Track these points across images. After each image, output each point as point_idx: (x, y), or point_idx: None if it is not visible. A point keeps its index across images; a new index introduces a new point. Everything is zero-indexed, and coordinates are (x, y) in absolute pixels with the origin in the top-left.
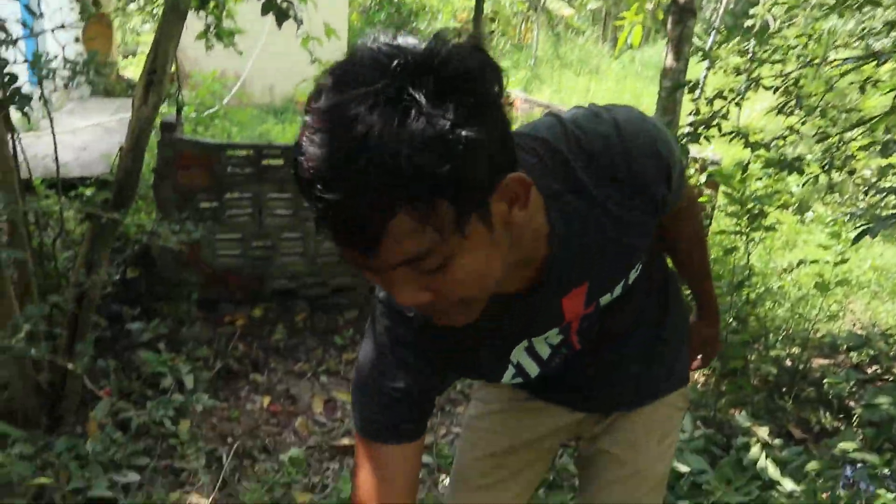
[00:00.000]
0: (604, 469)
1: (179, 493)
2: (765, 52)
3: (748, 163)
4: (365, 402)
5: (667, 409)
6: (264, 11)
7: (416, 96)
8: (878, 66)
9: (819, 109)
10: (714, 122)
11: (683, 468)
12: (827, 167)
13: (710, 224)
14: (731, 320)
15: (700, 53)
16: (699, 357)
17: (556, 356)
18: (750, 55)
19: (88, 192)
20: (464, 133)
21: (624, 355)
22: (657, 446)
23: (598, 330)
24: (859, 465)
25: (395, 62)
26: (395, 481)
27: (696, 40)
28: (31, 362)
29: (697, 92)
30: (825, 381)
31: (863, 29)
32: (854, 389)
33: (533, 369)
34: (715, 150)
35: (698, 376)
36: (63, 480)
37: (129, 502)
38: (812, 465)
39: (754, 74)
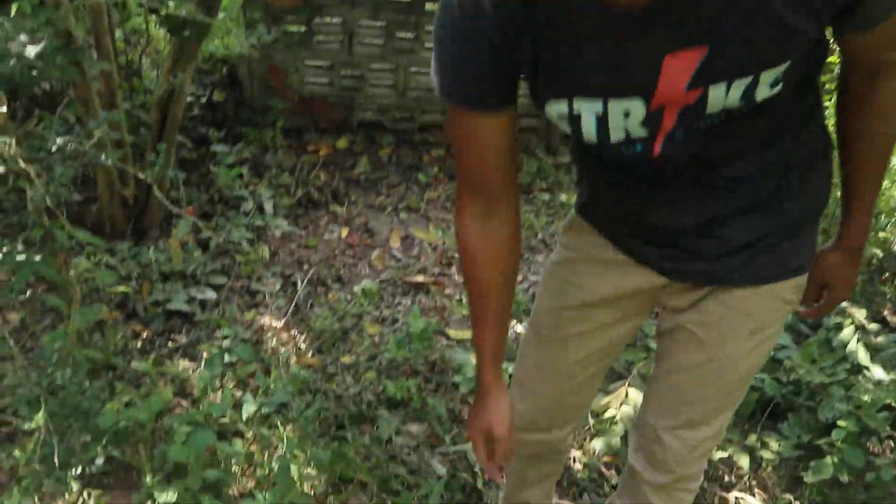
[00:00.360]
0: (682, 349)
1: (253, 314)
2: None
3: None
4: (444, 63)
5: (771, 299)
6: None
7: None
8: None
9: None
10: None
11: None
12: None
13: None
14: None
15: None
16: (820, 302)
17: (627, 146)
18: None
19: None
20: None
21: (730, 208)
22: (748, 339)
23: (697, 149)
24: None
25: None
26: (484, 145)
27: None
28: (119, 177)
29: None
30: None
31: None
32: None
33: (589, 132)
34: None
35: None
36: (145, 292)
37: (206, 318)
38: None
39: None
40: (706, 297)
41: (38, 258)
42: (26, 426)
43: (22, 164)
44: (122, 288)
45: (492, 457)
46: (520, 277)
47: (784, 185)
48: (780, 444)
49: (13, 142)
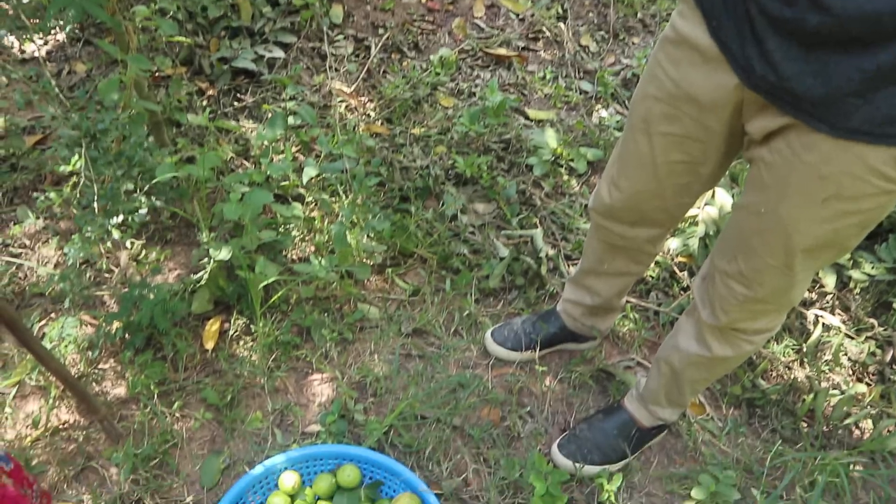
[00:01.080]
0: (750, 186)
1: (322, 77)
2: None
3: None
4: None
5: (858, 168)
6: None
7: None
8: None
9: None
10: None
11: None
12: None
13: None
14: None
15: None
16: None
17: None
18: None
19: None
20: None
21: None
22: (818, 206)
23: None
24: None
25: None
26: None
27: None
28: None
29: None
30: None
31: None
32: None
33: None
34: None
35: None
36: (212, 48)
37: (274, 77)
38: None
39: None
40: (780, 132)
41: None
42: (62, 168)
43: None
44: (183, 38)
45: None
46: (611, 59)
47: None
48: (873, 267)
49: None
